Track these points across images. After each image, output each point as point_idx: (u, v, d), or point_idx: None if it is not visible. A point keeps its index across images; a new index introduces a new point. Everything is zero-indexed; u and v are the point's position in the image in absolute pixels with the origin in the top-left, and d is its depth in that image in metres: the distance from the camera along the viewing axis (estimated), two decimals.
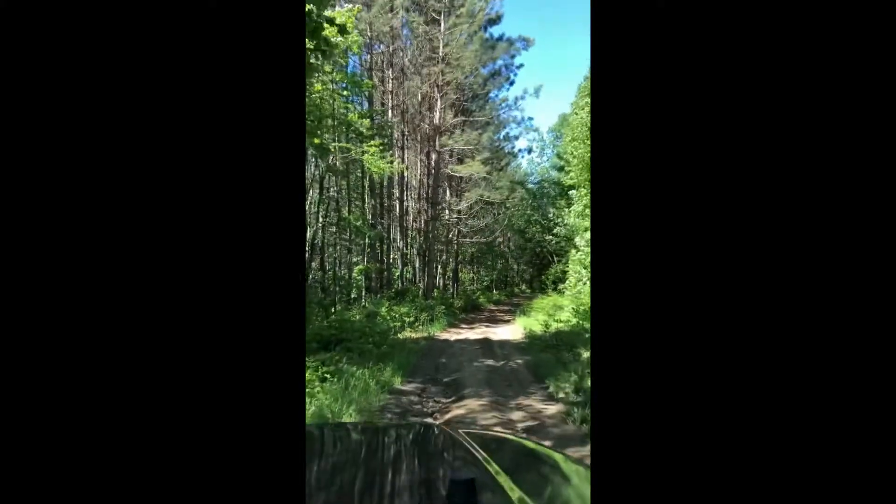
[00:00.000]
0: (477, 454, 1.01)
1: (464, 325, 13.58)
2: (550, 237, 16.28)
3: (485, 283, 30.44)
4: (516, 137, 20.55)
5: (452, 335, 10.95)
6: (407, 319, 10.73)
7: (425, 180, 16.19)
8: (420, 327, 11.04)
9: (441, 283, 19.38)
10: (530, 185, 20.78)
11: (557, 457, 1.24)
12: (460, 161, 15.91)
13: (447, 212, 16.94)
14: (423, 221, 16.63)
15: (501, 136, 19.39)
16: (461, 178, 16.42)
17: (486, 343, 9.82)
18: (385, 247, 14.98)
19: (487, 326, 13.48)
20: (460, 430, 1.25)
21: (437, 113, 14.72)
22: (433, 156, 15.20)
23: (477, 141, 14.73)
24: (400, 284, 16.33)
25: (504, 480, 0.85)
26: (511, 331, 12.20)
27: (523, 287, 39.96)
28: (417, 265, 16.83)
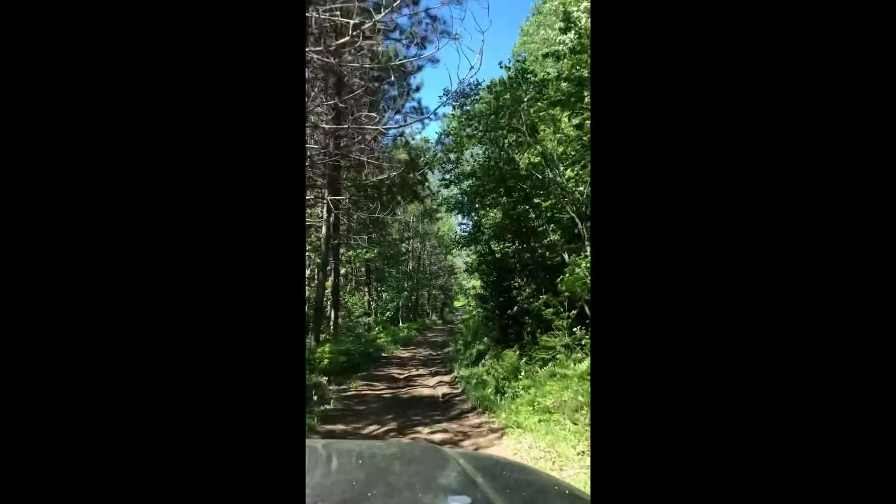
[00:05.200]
0: (470, 474, 1.01)
1: None
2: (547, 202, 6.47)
3: (388, 314, 20.30)
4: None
5: None
6: None
7: None
8: None
9: None
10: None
11: (550, 478, 1.22)
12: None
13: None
14: None
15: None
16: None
17: None
18: None
19: None
20: (453, 450, 1.28)
21: None
22: None
23: None
24: None
25: (498, 501, 0.87)
26: None
27: (434, 318, 30.57)
28: None
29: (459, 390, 7.31)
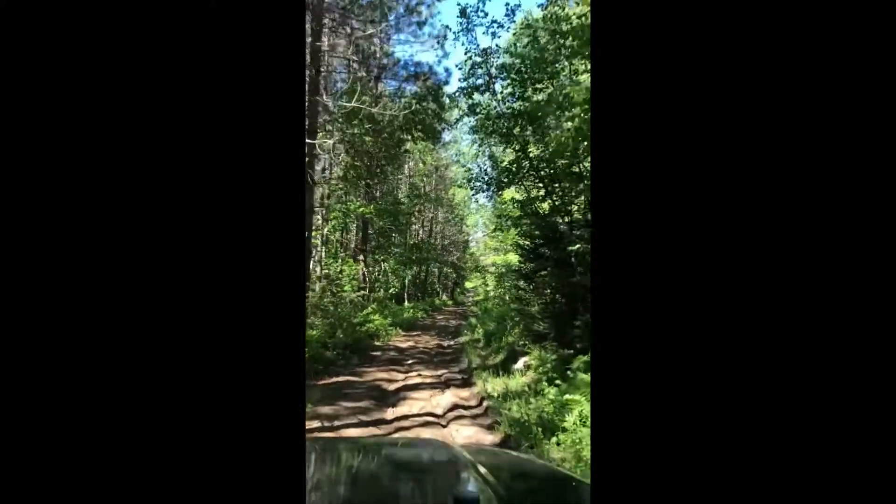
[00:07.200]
0: (477, 468, 1.02)
1: None
2: None
3: (392, 290, 16.87)
4: None
5: None
6: None
7: None
8: None
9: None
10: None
11: (554, 468, 1.22)
12: None
13: None
14: None
15: None
16: None
17: None
18: None
19: None
20: (461, 445, 1.28)
21: None
22: None
23: None
24: None
25: (506, 495, 0.88)
26: None
27: (444, 298, 27.15)
28: None
29: (498, 437, 3.87)
